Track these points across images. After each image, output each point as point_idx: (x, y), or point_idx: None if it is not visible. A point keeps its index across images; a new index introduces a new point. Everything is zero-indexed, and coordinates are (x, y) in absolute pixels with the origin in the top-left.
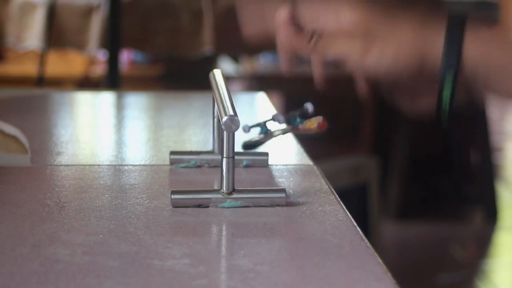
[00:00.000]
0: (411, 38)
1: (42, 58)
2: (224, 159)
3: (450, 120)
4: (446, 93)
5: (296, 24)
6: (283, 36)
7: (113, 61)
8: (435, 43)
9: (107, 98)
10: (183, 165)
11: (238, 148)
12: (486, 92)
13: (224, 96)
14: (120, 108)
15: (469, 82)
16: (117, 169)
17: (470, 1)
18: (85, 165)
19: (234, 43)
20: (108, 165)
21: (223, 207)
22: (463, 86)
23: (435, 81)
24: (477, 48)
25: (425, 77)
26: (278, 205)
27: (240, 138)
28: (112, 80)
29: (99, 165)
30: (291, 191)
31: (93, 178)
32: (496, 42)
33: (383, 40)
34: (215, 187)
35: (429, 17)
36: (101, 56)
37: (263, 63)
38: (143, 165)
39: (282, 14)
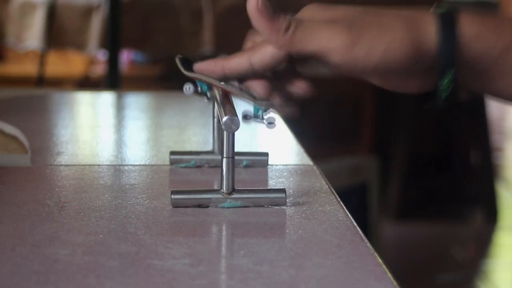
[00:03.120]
0: (402, 29)
1: (42, 58)
2: (224, 159)
3: (449, 105)
4: (446, 82)
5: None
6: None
7: (113, 61)
8: (427, 36)
9: (107, 98)
10: (183, 165)
11: (238, 147)
12: (485, 92)
13: (224, 96)
14: (120, 108)
15: (467, 82)
16: (117, 169)
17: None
18: (85, 165)
19: (234, 43)
20: (108, 165)
21: (223, 207)
22: (462, 84)
23: (429, 68)
24: (471, 30)
25: (418, 66)
26: (278, 205)
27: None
28: (112, 80)
29: (99, 165)
30: (291, 191)
31: (93, 178)
32: (491, 24)
33: (371, 32)
34: (215, 187)
35: (417, 13)
36: (101, 56)
37: None
38: (143, 165)
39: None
